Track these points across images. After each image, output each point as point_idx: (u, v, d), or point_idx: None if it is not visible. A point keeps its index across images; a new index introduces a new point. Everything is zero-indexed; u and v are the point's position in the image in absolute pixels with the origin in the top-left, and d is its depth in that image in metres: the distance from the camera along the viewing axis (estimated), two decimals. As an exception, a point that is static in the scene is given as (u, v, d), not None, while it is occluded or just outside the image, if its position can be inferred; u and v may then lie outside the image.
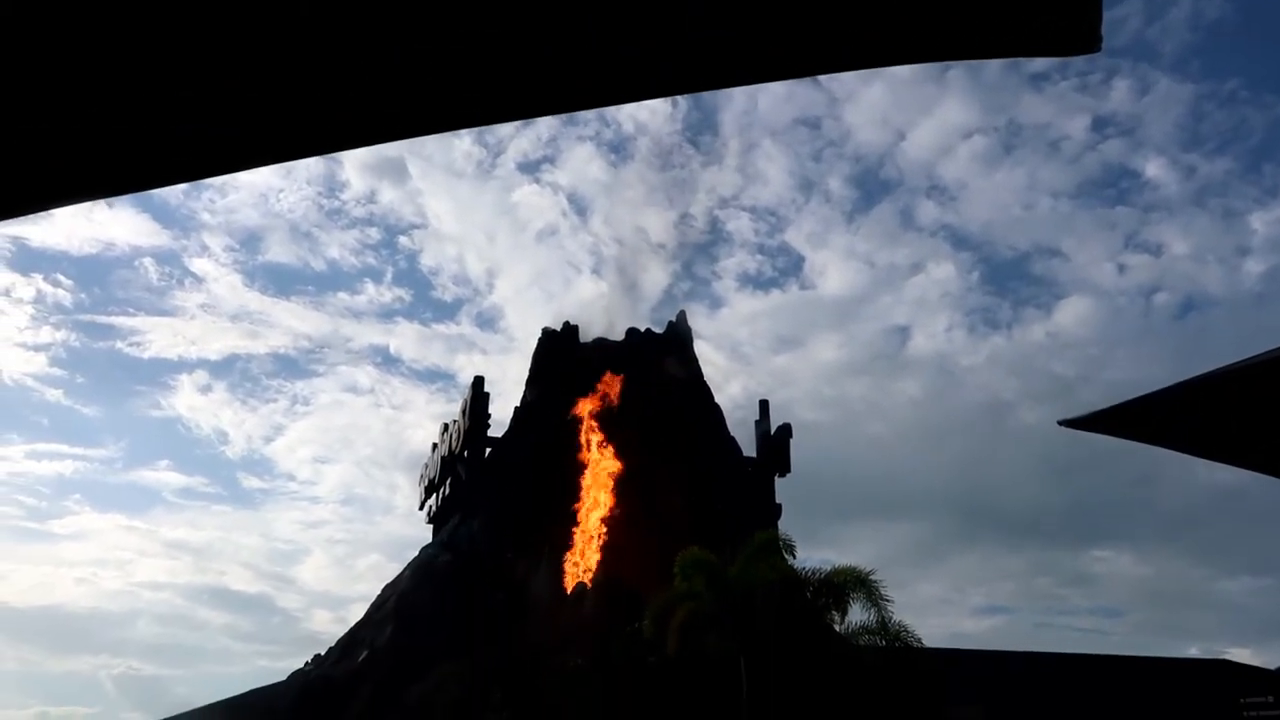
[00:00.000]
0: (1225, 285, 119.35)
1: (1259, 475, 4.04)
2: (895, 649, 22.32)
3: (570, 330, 45.67)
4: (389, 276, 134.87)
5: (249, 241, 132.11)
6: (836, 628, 23.16)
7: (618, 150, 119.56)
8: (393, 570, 52.91)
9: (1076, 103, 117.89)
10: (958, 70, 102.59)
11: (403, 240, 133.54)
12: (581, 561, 37.82)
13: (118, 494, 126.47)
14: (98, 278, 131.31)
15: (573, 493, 40.30)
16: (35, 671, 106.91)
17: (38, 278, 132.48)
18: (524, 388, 45.28)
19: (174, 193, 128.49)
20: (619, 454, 40.64)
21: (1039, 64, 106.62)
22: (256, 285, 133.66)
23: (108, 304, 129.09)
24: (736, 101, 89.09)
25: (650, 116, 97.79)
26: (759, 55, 1.43)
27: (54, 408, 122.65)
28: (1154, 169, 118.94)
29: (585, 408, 42.50)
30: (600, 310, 58.54)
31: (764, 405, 46.90)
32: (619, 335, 45.49)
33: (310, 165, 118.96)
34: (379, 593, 42.60)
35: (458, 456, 44.00)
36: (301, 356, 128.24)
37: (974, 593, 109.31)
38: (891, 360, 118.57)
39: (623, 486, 39.16)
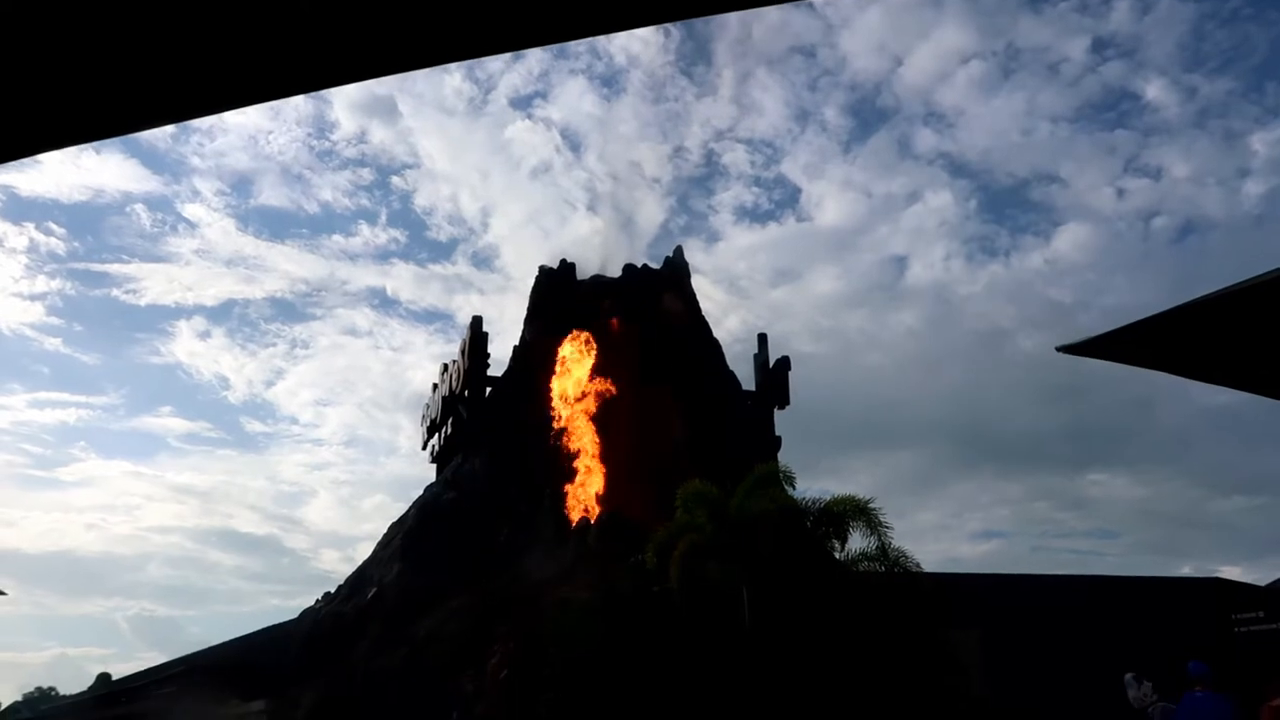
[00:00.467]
0: (1225, 208, 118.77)
1: (1255, 397, 4.06)
2: (895, 574, 22.71)
3: (567, 268, 45.45)
4: (383, 218, 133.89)
5: (240, 185, 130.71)
6: (837, 555, 23.53)
7: (610, 84, 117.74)
8: (398, 510, 53.58)
9: (1076, 24, 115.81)
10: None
11: (396, 180, 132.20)
12: (584, 496, 38.26)
13: (122, 440, 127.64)
14: (90, 225, 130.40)
15: (574, 430, 40.57)
16: (51, 615, 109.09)
17: (29, 226, 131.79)
18: (522, 326, 45.28)
19: (161, 137, 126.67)
20: (619, 389, 40.81)
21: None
22: (250, 229, 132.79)
23: (101, 251, 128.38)
24: (730, 30, 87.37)
25: (642, 48, 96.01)
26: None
27: (54, 356, 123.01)
28: (1154, 90, 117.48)
29: (583, 343, 42.54)
30: (597, 247, 58.31)
31: (762, 338, 46.98)
32: (616, 272, 45.33)
33: (298, 105, 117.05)
34: (385, 531, 43.19)
35: (458, 396, 44.19)
36: (299, 300, 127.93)
37: (971, 519, 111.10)
38: (889, 291, 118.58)
39: (623, 422, 39.39)
